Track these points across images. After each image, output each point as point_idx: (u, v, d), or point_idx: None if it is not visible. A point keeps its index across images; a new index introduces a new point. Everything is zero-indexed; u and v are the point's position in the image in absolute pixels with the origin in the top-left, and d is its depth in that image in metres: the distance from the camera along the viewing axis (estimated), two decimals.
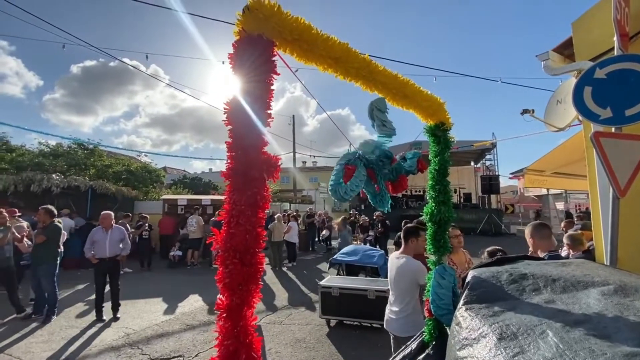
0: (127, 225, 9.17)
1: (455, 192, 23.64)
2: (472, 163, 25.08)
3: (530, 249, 2.39)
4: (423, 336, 1.83)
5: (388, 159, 1.65)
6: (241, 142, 0.99)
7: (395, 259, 2.75)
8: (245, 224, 0.96)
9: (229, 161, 1.01)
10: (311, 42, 1.17)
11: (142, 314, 5.51)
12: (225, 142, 1.01)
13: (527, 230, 2.42)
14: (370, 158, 1.60)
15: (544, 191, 16.92)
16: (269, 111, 1.04)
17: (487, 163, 20.93)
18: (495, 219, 18.23)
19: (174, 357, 3.97)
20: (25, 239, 5.56)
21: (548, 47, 2.84)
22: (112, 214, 5.79)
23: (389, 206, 1.65)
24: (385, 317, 2.75)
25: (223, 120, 0.99)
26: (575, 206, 18.32)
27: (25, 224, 6.33)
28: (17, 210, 7.49)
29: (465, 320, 1.17)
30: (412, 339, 1.91)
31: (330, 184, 1.43)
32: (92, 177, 12.61)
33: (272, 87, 1.06)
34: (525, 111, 3.67)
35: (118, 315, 5.36)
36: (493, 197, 20.15)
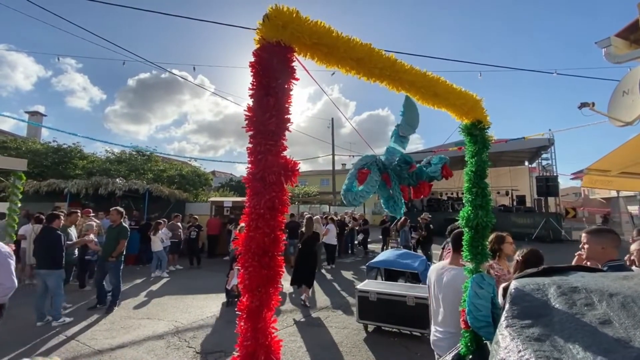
0: (179, 224, 9.91)
1: (507, 194, 21.95)
2: (527, 162, 23.14)
3: (583, 257, 2.10)
4: (459, 349, 1.72)
5: (407, 164, 1.59)
6: (260, 148, 1.02)
7: (442, 269, 2.34)
8: (264, 227, 0.98)
9: (249, 166, 1.04)
10: (331, 44, 1.16)
11: (189, 309, 5.87)
12: (246, 148, 1.05)
13: (583, 236, 2.13)
14: (387, 162, 1.55)
15: (613, 193, 15.04)
16: (288, 116, 1.06)
17: (544, 162, 19.09)
18: (553, 223, 16.61)
19: (216, 352, 4.17)
20: (92, 236, 6.28)
21: (609, 32, 2.53)
22: None
23: (402, 212, 1.59)
24: (432, 337, 2.38)
25: (243, 127, 1.03)
26: None
27: (95, 222, 7.12)
28: (91, 210, 8.51)
29: (505, 340, 1.07)
30: (448, 352, 1.80)
31: (342, 188, 1.41)
32: (149, 181, 13.79)
33: (291, 92, 1.08)
34: (583, 105, 3.29)
35: None
36: (551, 199, 18.33)
